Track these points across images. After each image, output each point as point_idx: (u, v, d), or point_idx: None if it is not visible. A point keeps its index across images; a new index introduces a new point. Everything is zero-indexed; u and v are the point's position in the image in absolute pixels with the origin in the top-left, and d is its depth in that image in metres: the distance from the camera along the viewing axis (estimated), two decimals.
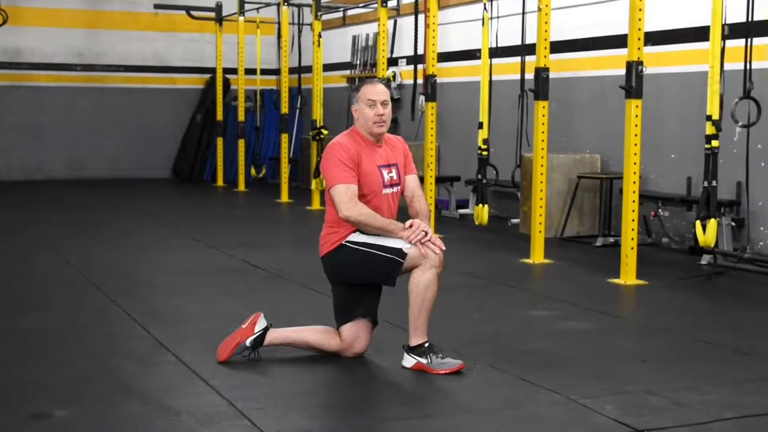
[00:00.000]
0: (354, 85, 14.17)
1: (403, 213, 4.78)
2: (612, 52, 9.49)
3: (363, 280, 4.79)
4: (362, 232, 4.72)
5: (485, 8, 9.07)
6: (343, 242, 4.75)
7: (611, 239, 8.98)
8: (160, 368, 4.73)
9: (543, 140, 8.08)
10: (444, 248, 4.63)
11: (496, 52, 9.56)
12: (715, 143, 6.96)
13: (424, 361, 4.63)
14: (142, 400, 4.21)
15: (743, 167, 7.57)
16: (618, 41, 9.02)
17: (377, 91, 4.80)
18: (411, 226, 4.64)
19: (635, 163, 7.22)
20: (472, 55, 11.38)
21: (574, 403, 4.19)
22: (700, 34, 8.34)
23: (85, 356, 4.96)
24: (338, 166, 4.69)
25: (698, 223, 6.99)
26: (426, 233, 4.61)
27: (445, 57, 11.47)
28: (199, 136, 16.21)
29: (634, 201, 7.24)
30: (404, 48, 13.27)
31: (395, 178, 4.86)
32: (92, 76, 16.12)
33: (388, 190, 4.82)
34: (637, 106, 7.15)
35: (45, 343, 5.24)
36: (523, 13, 9.49)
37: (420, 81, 12.20)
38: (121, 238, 9.34)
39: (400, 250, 4.61)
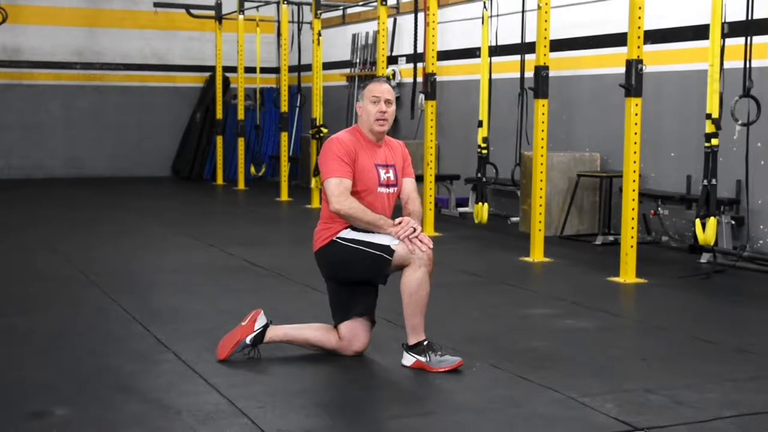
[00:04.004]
0: (354, 84, 14.25)
1: (399, 214, 4.78)
2: (612, 51, 9.49)
3: (354, 277, 4.79)
4: (353, 229, 4.74)
5: (485, 6, 9.06)
6: (334, 238, 4.77)
7: (611, 237, 8.98)
8: (160, 367, 4.73)
9: (543, 138, 8.08)
10: (431, 246, 4.64)
11: (496, 50, 9.56)
12: (714, 141, 6.96)
13: (423, 359, 4.63)
14: (142, 398, 4.21)
15: (743, 165, 7.58)
16: (618, 39, 9.02)
17: (383, 89, 4.85)
18: (400, 223, 4.65)
19: (635, 162, 7.22)
20: (471, 53, 11.38)
21: (573, 402, 4.19)
22: (699, 32, 8.34)
23: (85, 355, 4.96)
24: (334, 160, 4.72)
25: (698, 221, 6.99)
26: (414, 230, 4.62)
27: (444, 55, 11.46)
28: (199, 135, 16.21)
29: (633, 199, 7.25)
30: (404, 46, 13.27)
31: (392, 178, 4.87)
32: (92, 75, 16.13)
33: (383, 190, 4.82)
34: (636, 105, 7.16)
35: (45, 342, 5.24)
36: (523, 12, 9.49)
37: (420, 79, 12.19)
38: (120, 237, 9.34)
39: (388, 247, 4.61)
